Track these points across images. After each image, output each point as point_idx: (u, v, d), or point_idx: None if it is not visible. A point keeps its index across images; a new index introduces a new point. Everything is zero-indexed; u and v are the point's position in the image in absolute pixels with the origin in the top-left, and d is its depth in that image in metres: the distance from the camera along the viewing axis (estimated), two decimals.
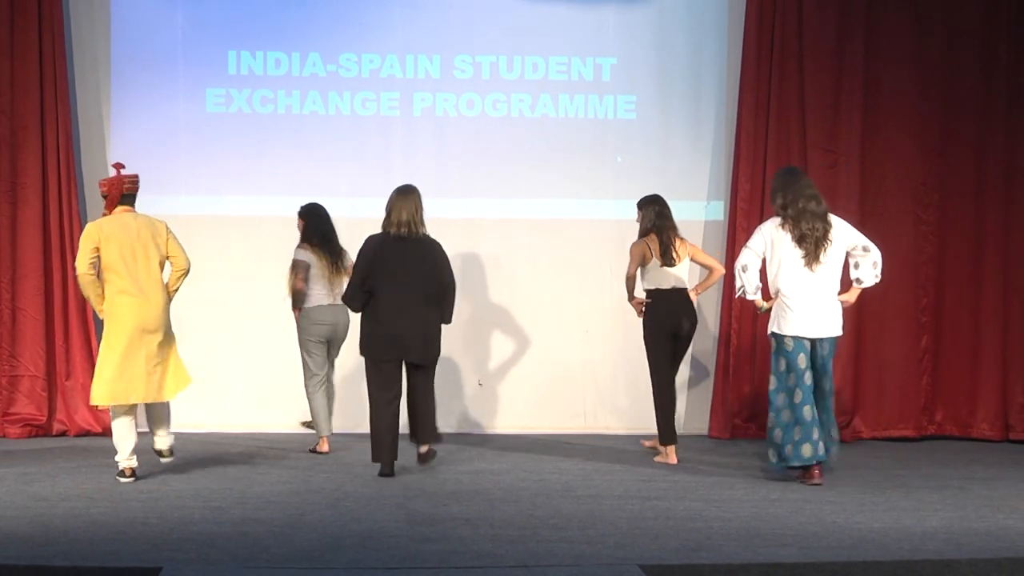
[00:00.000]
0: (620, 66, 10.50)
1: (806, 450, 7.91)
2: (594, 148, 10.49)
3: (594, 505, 7.07)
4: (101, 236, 7.86)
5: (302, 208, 9.17)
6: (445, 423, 9.78)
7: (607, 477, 8.10)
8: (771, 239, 8.13)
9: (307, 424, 9.21)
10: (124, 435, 7.75)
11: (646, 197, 9.18)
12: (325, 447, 8.98)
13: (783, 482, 7.96)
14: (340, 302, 8.79)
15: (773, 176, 8.53)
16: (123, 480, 7.70)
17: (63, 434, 9.82)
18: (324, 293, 9.01)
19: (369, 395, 8.14)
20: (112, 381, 7.69)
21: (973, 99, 10.38)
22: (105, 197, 8.05)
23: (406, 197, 8.29)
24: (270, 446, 9.21)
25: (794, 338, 8.05)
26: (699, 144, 10.53)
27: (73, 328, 9.84)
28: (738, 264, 8.17)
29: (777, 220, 8.15)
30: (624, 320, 10.04)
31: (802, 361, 8.03)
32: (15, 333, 9.82)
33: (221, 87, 10.29)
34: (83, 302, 9.81)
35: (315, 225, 9.05)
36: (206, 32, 10.28)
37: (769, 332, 8.22)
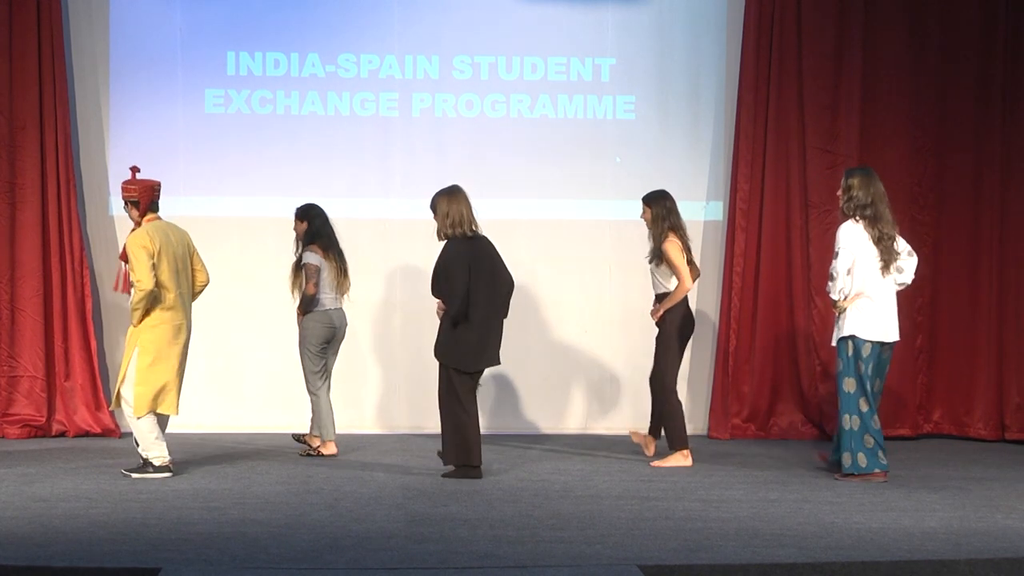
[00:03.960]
0: (619, 67, 10.50)
1: (861, 459, 8.01)
2: (593, 148, 10.50)
3: (593, 505, 7.07)
4: (154, 248, 7.84)
5: (301, 209, 9.12)
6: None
7: (606, 478, 8.10)
8: (856, 239, 8.07)
9: (300, 438, 9.16)
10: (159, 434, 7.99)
11: (656, 192, 8.92)
12: (333, 449, 8.95)
13: (782, 483, 7.96)
14: (341, 305, 8.98)
15: (848, 173, 8.32)
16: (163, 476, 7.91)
17: (62, 435, 9.82)
18: (332, 296, 9.01)
19: (454, 403, 8.08)
20: (158, 393, 7.86)
21: (969, 100, 10.40)
22: (135, 203, 8.00)
23: (460, 196, 8.23)
24: (269, 446, 9.21)
25: (873, 343, 8.05)
26: (698, 144, 10.54)
27: (72, 329, 9.84)
28: (842, 267, 8.01)
29: (854, 221, 8.11)
30: (624, 320, 10.06)
31: (871, 369, 8.05)
32: (14, 334, 9.82)
33: (220, 88, 10.30)
34: (82, 302, 9.82)
35: (319, 226, 9.00)
36: (205, 33, 10.29)
37: (846, 335, 8.04)
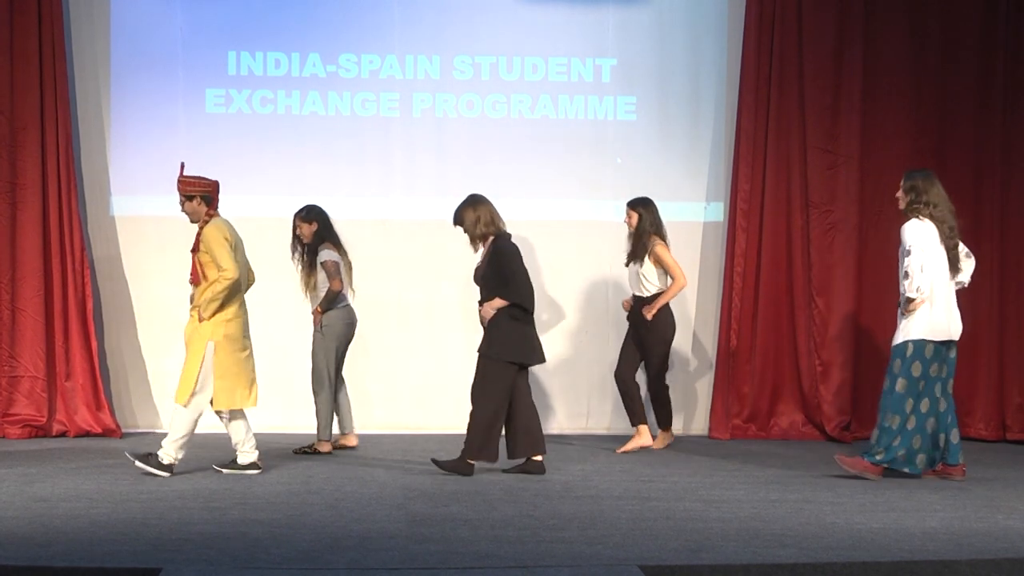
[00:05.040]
0: (620, 67, 10.51)
1: (921, 461, 7.98)
2: (594, 149, 10.50)
3: (594, 506, 7.07)
4: (233, 240, 7.87)
5: (306, 210, 9.12)
6: (445, 423, 9.81)
7: (606, 478, 8.10)
8: (926, 237, 7.94)
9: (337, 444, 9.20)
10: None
11: (644, 199, 9.38)
12: (328, 448, 9.03)
13: (782, 483, 7.96)
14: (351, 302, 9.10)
15: (909, 175, 8.23)
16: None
17: (63, 435, 9.82)
18: (348, 293, 9.12)
19: (492, 398, 8.00)
20: (235, 386, 7.90)
21: (970, 101, 10.41)
22: (207, 199, 7.91)
23: (482, 198, 8.28)
24: (270, 446, 9.20)
25: (937, 344, 7.95)
26: (699, 145, 10.55)
27: (73, 329, 9.84)
28: (916, 264, 7.86)
29: (919, 220, 7.98)
30: (624, 320, 10.03)
31: (935, 369, 7.98)
32: (15, 334, 9.82)
33: (221, 88, 10.30)
34: (83, 303, 9.83)
35: (329, 225, 9.09)
36: (206, 33, 10.29)
37: (911, 339, 7.89)
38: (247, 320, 8.03)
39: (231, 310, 7.86)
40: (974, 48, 10.38)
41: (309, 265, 9.06)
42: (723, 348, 10.27)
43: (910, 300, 7.90)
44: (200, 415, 7.94)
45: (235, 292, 7.85)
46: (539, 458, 8.18)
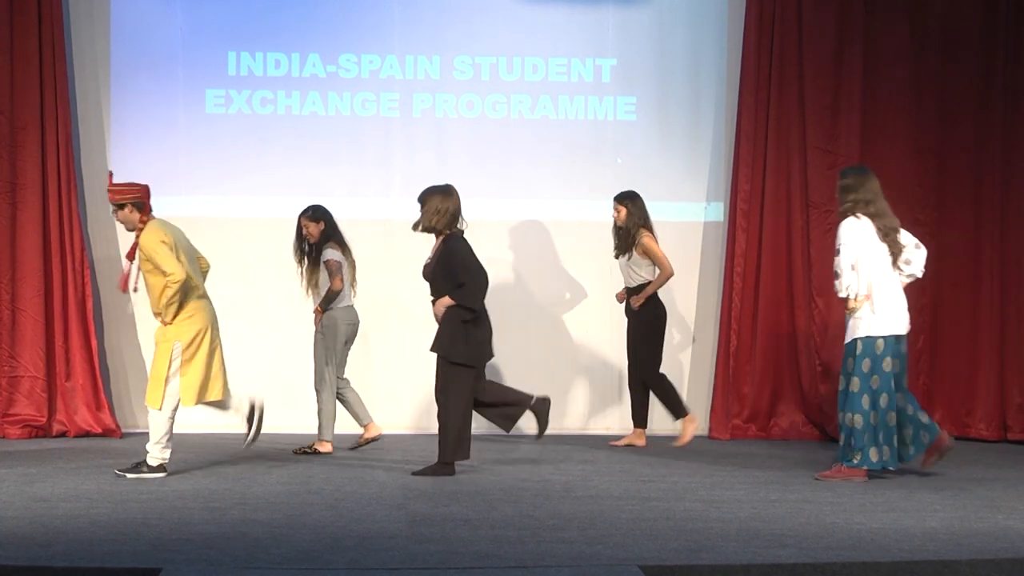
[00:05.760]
0: (620, 67, 10.51)
1: (886, 453, 7.96)
2: (594, 149, 10.51)
3: (594, 506, 7.07)
4: (171, 241, 7.82)
5: (312, 209, 9.12)
6: None
7: (607, 478, 8.10)
8: (859, 235, 7.93)
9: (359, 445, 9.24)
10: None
11: (630, 192, 9.57)
12: (329, 448, 9.04)
13: (782, 483, 7.96)
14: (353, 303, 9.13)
15: (842, 174, 8.19)
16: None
17: (63, 435, 9.82)
18: (350, 293, 9.14)
19: (460, 400, 8.03)
20: (205, 381, 7.89)
21: (970, 101, 10.41)
22: (138, 205, 7.80)
23: (455, 194, 8.20)
24: (270, 446, 9.20)
25: (886, 337, 7.96)
26: (699, 145, 10.55)
27: (73, 329, 9.84)
28: (845, 264, 7.88)
29: (855, 218, 7.96)
30: (623, 320, 10.04)
31: (888, 364, 7.96)
32: (15, 334, 9.83)
33: (221, 88, 10.31)
34: (83, 303, 9.84)
35: (334, 225, 9.12)
36: (206, 33, 10.30)
37: (857, 337, 7.94)
38: (212, 310, 7.99)
39: (190, 307, 7.84)
40: (974, 48, 10.38)
41: (314, 264, 9.10)
42: (723, 348, 10.27)
43: (845, 299, 7.94)
44: (175, 412, 7.91)
45: (189, 290, 7.82)
46: (533, 399, 8.32)
